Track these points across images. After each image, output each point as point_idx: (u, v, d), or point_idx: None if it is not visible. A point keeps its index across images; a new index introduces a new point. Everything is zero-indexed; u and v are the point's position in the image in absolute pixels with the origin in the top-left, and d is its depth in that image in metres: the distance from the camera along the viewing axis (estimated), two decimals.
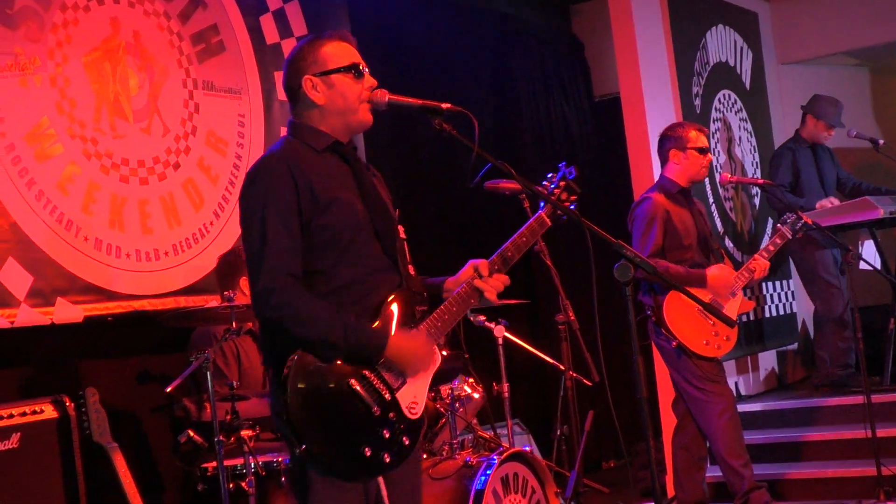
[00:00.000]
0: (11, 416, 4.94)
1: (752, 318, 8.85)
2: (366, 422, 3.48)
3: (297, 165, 3.57)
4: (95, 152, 5.87)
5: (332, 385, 3.46)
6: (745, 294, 6.70)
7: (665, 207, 6.48)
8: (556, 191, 3.97)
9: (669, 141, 6.65)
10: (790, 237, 6.71)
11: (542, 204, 3.95)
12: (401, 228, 3.88)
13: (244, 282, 5.72)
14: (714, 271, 6.42)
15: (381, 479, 3.62)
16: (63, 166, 5.71)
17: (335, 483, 3.48)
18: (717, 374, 6.49)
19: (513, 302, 6.57)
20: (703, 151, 6.57)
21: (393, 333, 3.56)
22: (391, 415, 3.53)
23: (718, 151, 8.87)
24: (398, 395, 3.56)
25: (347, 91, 3.67)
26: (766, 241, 8.46)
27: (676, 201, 6.56)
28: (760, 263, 6.56)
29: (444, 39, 8.54)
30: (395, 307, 3.62)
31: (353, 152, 3.76)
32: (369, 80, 3.71)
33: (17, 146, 5.51)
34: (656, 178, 7.05)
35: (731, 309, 6.45)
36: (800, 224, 6.70)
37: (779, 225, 6.76)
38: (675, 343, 6.35)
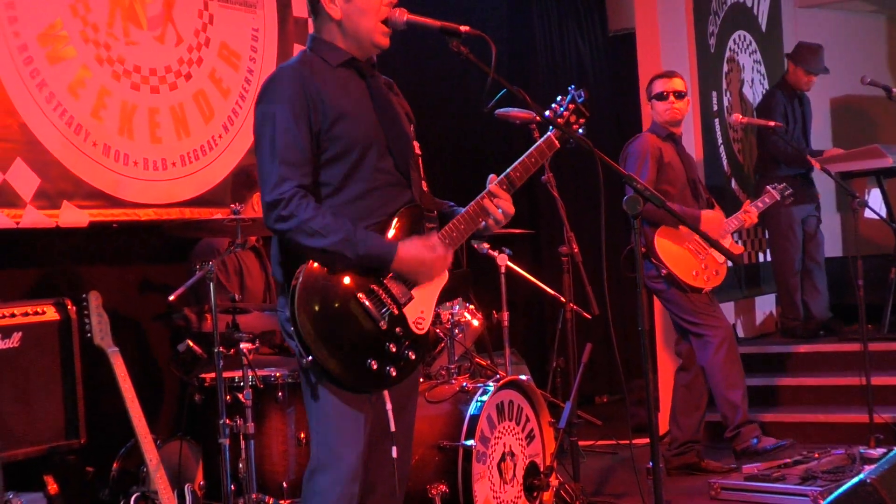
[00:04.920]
0: (14, 315, 4.94)
1: (750, 261, 8.89)
2: (372, 335, 3.52)
3: (311, 77, 3.58)
4: (108, 58, 5.84)
5: (340, 298, 3.49)
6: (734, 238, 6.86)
7: (658, 146, 6.61)
8: (564, 113, 3.93)
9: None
10: (778, 199, 6.93)
11: (551, 126, 3.93)
12: (416, 144, 3.86)
13: (257, 198, 5.72)
14: (708, 213, 6.54)
15: (387, 397, 3.67)
16: (75, 70, 5.68)
17: (341, 394, 3.54)
18: (709, 307, 6.55)
19: (517, 231, 6.58)
20: (660, 97, 6.68)
21: (400, 243, 3.57)
22: (398, 329, 3.57)
23: (730, 92, 8.84)
24: (405, 309, 3.59)
25: (365, 7, 3.66)
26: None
27: (666, 143, 6.65)
28: (752, 215, 6.77)
29: None
30: (402, 221, 3.64)
31: (370, 68, 3.76)
32: None
33: (30, 46, 5.47)
34: None
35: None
36: (788, 192, 6.96)
37: (769, 187, 6.96)
38: (664, 271, 6.41)
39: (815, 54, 8.52)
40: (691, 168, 6.77)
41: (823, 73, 8.54)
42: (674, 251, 6.43)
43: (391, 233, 3.61)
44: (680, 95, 6.67)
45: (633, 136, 6.78)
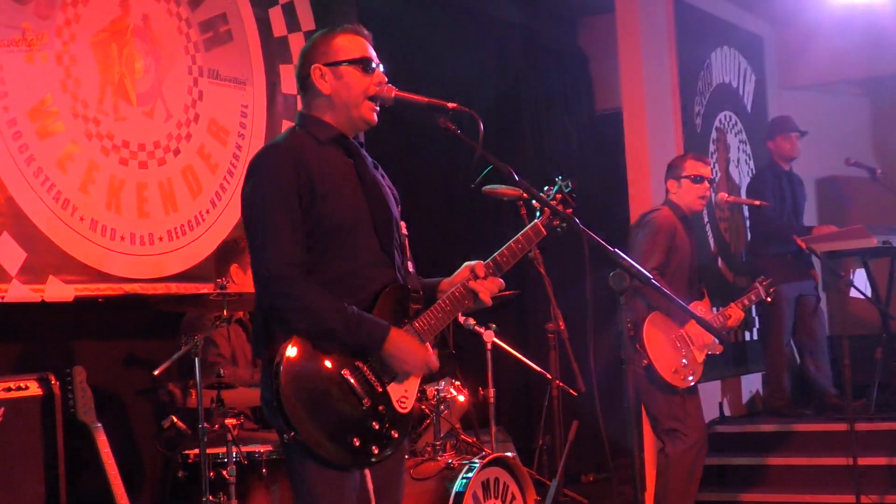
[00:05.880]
0: None
1: (736, 339, 8.88)
2: (356, 413, 3.51)
3: (299, 155, 3.60)
4: (97, 133, 5.86)
5: (324, 375, 3.49)
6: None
7: (675, 223, 6.54)
8: (552, 203, 3.97)
9: (667, 172, 6.77)
10: (763, 297, 6.84)
11: (538, 212, 3.95)
12: (403, 225, 3.88)
13: (234, 269, 5.72)
14: (695, 304, 6.48)
15: (368, 475, 3.65)
16: (64, 145, 5.70)
17: (325, 472, 3.51)
18: (681, 408, 6.48)
19: (506, 293, 6.56)
20: (697, 180, 6.59)
21: (394, 329, 3.57)
22: (381, 407, 3.56)
23: (717, 171, 8.90)
24: (389, 388, 3.59)
25: (354, 83, 3.69)
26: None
27: (681, 223, 6.59)
28: (736, 314, 6.64)
29: (451, 42, 8.56)
30: (386, 301, 3.63)
31: (357, 147, 3.77)
32: (378, 76, 3.73)
33: (20, 121, 5.49)
34: (653, 195, 7.09)
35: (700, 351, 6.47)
36: (772, 289, 6.88)
37: (756, 282, 6.89)
38: (645, 362, 6.33)
39: (785, 120, 8.67)
40: (694, 255, 6.72)
41: (802, 134, 8.60)
42: (660, 341, 6.34)
43: (374, 312, 3.61)
44: (711, 181, 6.68)
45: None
